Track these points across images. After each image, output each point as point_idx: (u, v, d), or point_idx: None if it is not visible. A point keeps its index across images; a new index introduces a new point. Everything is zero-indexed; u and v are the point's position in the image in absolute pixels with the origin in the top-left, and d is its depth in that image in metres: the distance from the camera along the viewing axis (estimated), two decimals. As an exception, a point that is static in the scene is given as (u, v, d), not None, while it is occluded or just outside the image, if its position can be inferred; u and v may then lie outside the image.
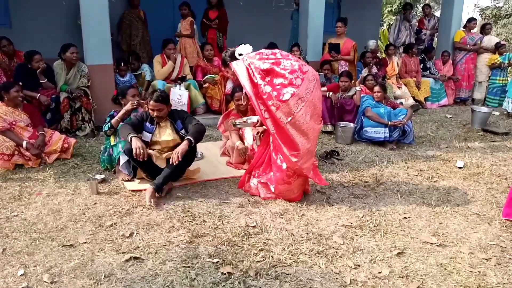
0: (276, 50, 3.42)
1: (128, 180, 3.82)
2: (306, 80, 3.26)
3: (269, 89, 3.18)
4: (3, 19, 7.14)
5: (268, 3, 8.83)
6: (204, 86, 6.43)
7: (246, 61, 3.29)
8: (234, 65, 3.37)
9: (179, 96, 5.88)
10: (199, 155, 4.63)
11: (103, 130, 3.98)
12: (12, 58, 5.56)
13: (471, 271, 2.56)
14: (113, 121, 3.88)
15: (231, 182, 3.92)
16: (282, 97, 3.16)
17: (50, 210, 3.23)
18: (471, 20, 8.61)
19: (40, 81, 5.17)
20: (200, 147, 4.96)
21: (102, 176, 3.87)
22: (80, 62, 5.43)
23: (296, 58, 3.40)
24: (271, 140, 3.49)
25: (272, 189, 3.50)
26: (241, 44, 3.51)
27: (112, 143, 3.96)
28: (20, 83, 4.48)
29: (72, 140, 4.51)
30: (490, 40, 8.47)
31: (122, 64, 6.05)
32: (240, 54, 3.42)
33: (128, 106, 3.89)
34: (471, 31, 8.61)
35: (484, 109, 6.67)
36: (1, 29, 6.77)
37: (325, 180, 3.68)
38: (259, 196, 3.57)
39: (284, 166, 3.39)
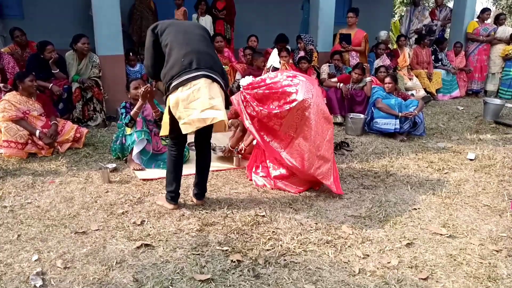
0: (264, 76, 3.59)
1: (139, 170, 3.87)
2: (302, 89, 3.33)
3: (266, 112, 3.33)
4: (16, 10, 7.22)
5: (278, -6, 8.77)
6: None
7: (242, 94, 3.45)
8: (234, 100, 3.50)
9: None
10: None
11: (124, 122, 3.94)
12: (25, 48, 5.62)
13: (481, 262, 2.55)
14: (132, 113, 3.86)
15: (240, 172, 3.94)
16: (281, 115, 3.31)
17: (63, 198, 3.29)
18: (484, 10, 8.45)
19: (52, 71, 5.23)
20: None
21: (114, 165, 3.92)
22: (91, 53, 5.46)
23: (284, 77, 3.45)
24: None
25: (273, 183, 3.58)
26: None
27: (128, 132, 3.96)
28: (33, 73, 4.53)
29: (84, 130, 4.56)
30: (504, 30, 8.32)
31: (131, 54, 6.06)
32: (242, 85, 3.57)
33: (141, 100, 3.86)
34: (485, 21, 8.46)
35: (497, 101, 6.58)
36: (14, 20, 6.85)
37: (341, 189, 3.53)
38: (267, 187, 3.59)
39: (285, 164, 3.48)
